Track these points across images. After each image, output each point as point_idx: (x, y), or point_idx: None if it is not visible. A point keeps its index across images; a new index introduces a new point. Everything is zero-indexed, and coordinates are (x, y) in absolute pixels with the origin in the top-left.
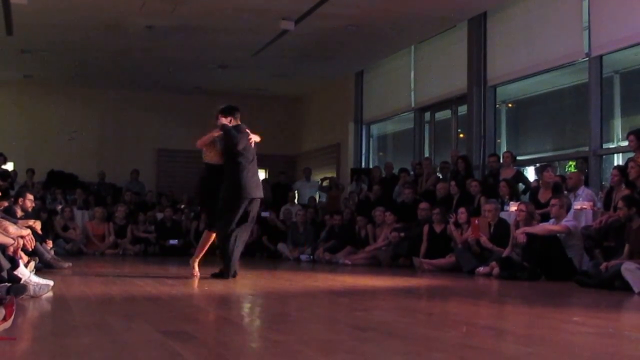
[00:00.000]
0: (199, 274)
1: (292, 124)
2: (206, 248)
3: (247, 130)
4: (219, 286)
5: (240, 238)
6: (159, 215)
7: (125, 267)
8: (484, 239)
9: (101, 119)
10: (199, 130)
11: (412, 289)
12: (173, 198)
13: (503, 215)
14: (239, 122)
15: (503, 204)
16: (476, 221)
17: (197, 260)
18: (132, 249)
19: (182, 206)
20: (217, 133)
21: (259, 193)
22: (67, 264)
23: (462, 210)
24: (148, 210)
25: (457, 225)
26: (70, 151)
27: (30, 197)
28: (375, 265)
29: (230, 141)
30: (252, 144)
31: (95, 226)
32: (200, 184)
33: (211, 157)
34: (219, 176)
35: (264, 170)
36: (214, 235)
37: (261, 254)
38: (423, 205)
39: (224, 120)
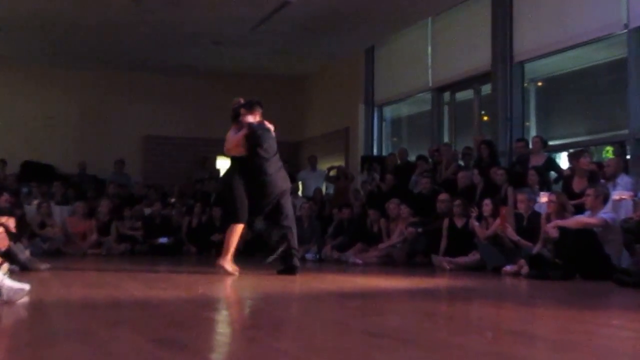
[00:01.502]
0: (237, 269)
1: (295, 106)
2: (235, 243)
3: (269, 126)
4: (215, 289)
5: (291, 233)
6: (147, 211)
7: (109, 268)
8: (509, 230)
9: (81, 103)
10: (190, 115)
11: (430, 290)
12: (162, 191)
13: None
14: (261, 118)
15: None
16: (503, 211)
17: (229, 257)
18: (117, 248)
19: (173, 200)
20: (243, 133)
21: (286, 184)
22: (44, 266)
23: (487, 201)
24: (134, 204)
25: (480, 218)
26: (47, 139)
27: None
28: (389, 264)
29: (256, 141)
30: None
31: (76, 223)
32: (227, 178)
33: (238, 150)
34: (245, 168)
35: None
36: (240, 227)
37: (263, 254)
38: (442, 196)
39: (250, 118)
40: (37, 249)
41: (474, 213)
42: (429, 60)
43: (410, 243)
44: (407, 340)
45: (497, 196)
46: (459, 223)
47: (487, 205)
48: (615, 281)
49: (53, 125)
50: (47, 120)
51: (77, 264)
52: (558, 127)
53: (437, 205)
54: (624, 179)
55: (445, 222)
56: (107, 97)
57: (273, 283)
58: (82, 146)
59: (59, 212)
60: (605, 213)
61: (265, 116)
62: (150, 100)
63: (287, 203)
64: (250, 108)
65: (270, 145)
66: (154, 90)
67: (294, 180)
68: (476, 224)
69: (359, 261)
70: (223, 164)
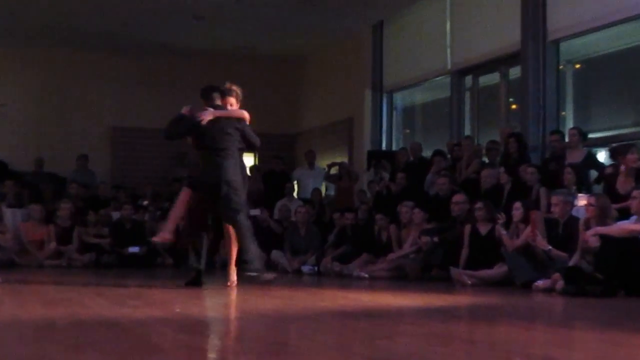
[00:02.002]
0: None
1: (290, 93)
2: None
3: (207, 108)
4: (195, 308)
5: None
6: (115, 215)
7: (71, 282)
8: (539, 239)
9: (38, 88)
10: (166, 102)
11: (448, 309)
12: (133, 192)
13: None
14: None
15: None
16: (533, 216)
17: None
18: (80, 259)
19: (146, 202)
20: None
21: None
22: None
23: (517, 205)
24: (100, 208)
25: (508, 225)
26: None
27: None
28: (400, 278)
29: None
30: (204, 122)
31: (32, 229)
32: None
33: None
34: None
35: (252, 155)
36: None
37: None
38: (457, 197)
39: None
40: None
41: (501, 219)
42: (448, 39)
43: (425, 254)
44: None
45: (527, 199)
46: (483, 230)
47: (517, 209)
48: None
49: (5, 114)
50: None
51: (32, 278)
52: (599, 117)
53: (452, 209)
54: None
55: (467, 229)
56: (68, 82)
57: (264, 300)
58: (38, 139)
59: (12, 216)
60: None
61: (254, 104)
62: (120, 85)
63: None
64: (201, 96)
65: (201, 132)
66: (124, 73)
67: (288, 179)
68: (503, 231)
69: (365, 275)
70: None
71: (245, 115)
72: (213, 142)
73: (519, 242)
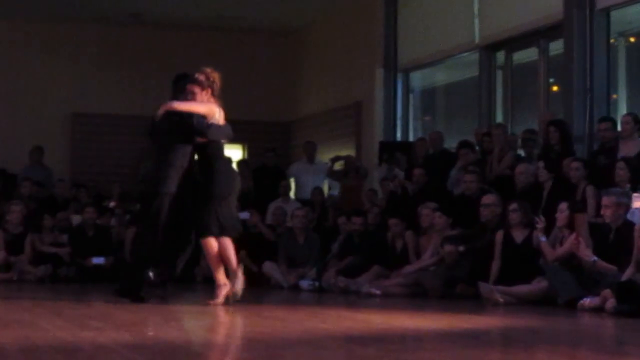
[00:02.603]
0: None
1: (286, 72)
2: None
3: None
4: (171, 331)
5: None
6: (76, 219)
7: (23, 300)
8: (582, 247)
9: None
10: (137, 84)
11: (477, 333)
12: (97, 191)
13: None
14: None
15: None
16: (577, 220)
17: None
18: (34, 272)
19: (112, 204)
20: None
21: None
22: None
23: (561, 206)
24: (58, 210)
25: (548, 231)
26: None
27: None
28: (418, 295)
29: None
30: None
31: None
32: None
33: None
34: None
35: (240, 147)
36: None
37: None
38: (487, 198)
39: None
40: None
41: (540, 224)
42: (476, 7)
43: (448, 266)
44: None
45: (571, 199)
46: (518, 237)
47: (562, 212)
48: None
49: None
50: None
51: None
52: None
53: (481, 212)
54: None
55: (499, 236)
56: (17, 58)
57: (254, 322)
58: None
59: None
60: None
61: (242, 87)
62: (80, 63)
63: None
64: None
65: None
66: (86, 49)
67: (283, 176)
68: (542, 239)
69: (376, 291)
70: None
71: (209, 111)
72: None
73: (561, 251)
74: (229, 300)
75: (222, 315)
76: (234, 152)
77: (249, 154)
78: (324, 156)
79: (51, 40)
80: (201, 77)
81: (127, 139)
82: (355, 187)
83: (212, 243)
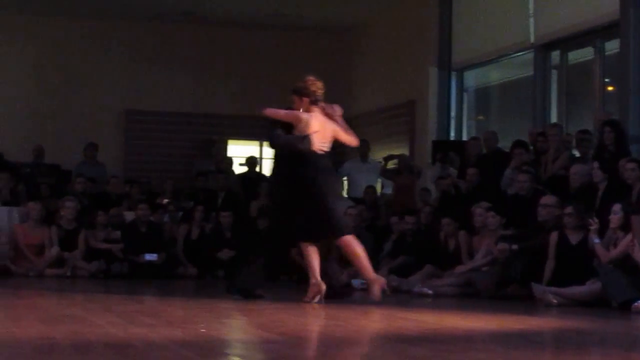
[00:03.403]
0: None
1: (339, 70)
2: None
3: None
4: (222, 328)
5: None
6: (128, 216)
7: (76, 295)
8: (637, 250)
9: (38, 64)
10: (190, 82)
11: (529, 334)
12: (150, 188)
13: None
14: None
15: None
16: (633, 221)
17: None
18: (87, 268)
19: (165, 201)
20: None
21: None
22: None
23: (615, 208)
24: (111, 207)
25: (602, 232)
26: None
27: None
28: (470, 295)
29: None
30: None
31: (29, 232)
32: None
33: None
34: None
35: None
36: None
37: (289, 277)
38: (546, 199)
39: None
40: None
41: (594, 225)
42: (531, 6)
43: (501, 266)
44: None
45: (627, 200)
46: (574, 239)
47: (616, 213)
48: None
49: None
50: None
51: (30, 289)
52: None
53: (538, 212)
54: None
55: (553, 236)
56: (73, 56)
57: (305, 320)
58: (38, 124)
59: (6, 216)
60: None
61: (295, 83)
62: (135, 60)
63: None
64: None
65: None
66: (140, 47)
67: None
68: (597, 240)
69: (428, 291)
70: (237, 151)
71: (293, 118)
72: None
73: (615, 253)
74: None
75: (273, 313)
76: None
77: None
78: (377, 155)
79: (105, 38)
80: (300, 85)
81: (179, 136)
82: (408, 186)
83: (351, 241)
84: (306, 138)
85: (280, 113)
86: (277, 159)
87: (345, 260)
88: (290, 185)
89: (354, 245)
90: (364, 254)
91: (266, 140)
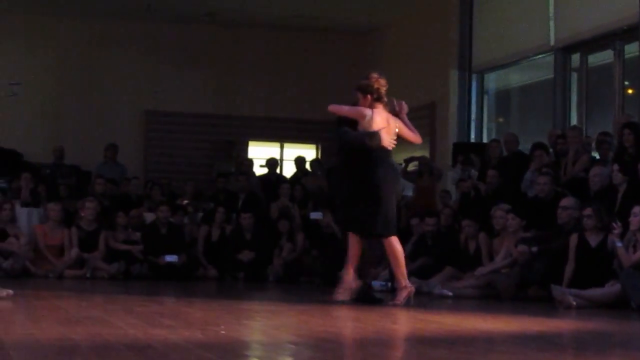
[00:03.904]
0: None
1: (360, 72)
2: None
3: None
4: (243, 330)
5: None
6: (149, 217)
7: (96, 296)
8: None
9: (58, 64)
10: (211, 82)
11: (549, 336)
12: (170, 189)
13: None
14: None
15: None
16: None
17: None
18: (107, 269)
19: (185, 202)
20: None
21: None
22: (5, 292)
23: (635, 210)
24: (131, 208)
25: (622, 234)
26: (10, 115)
27: None
28: (491, 297)
29: None
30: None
31: (49, 233)
32: None
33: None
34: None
35: (314, 146)
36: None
37: (310, 279)
38: (566, 201)
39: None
40: None
41: (617, 229)
42: (551, 9)
43: (522, 268)
44: None
45: None
46: (593, 241)
47: (636, 215)
48: None
49: (18, 95)
50: (10, 89)
51: (50, 290)
52: None
53: (558, 214)
54: None
55: (573, 239)
56: (94, 57)
57: (325, 322)
58: (58, 125)
59: (26, 217)
60: None
61: (316, 86)
62: (155, 61)
63: None
64: None
65: None
66: (161, 48)
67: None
68: (619, 244)
69: (448, 293)
70: (258, 152)
71: (358, 114)
72: None
73: (637, 256)
74: (410, 302)
75: (294, 315)
76: (308, 152)
77: (322, 153)
78: (398, 156)
79: (126, 39)
80: (363, 82)
81: (200, 137)
82: (429, 188)
83: (396, 243)
84: (375, 134)
85: (344, 109)
86: (343, 154)
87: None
88: (355, 180)
89: (398, 248)
90: (403, 259)
91: (335, 136)
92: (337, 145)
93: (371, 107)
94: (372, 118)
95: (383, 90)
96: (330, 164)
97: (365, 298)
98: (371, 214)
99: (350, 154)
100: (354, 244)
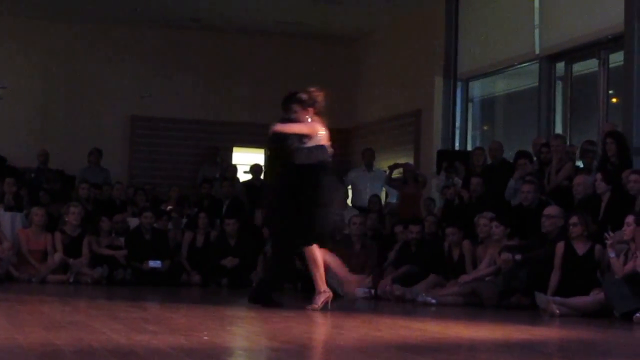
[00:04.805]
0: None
1: (344, 79)
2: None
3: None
4: (226, 336)
5: None
6: (133, 222)
7: (79, 301)
8: (639, 261)
9: (43, 68)
10: (196, 88)
11: (533, 344)
12: (155, 194)
13: None
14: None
15: None
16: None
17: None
18: (90, 274)
19: (169, 208)
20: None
21: None
22: None
23: (628, 220)
24: (115, 213)
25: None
26: None
27: None
28: (474, 305)
29: None
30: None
31: (33, 237)
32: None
33: None
34: None
35: None
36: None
37: (294, 285)
38: (550, 210)
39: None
40: None
41: (610, 240)
42: (536, 17)
43: (505, 276)
44: None
45: (637, 212)
46: (581, 250)
47: (629, 225)
48: None
49: (3, 99)
50: None
51: (33, 295)
52: None
53: (542, 223)
54: None
55: (560, 247)
56: (79, 61)
57: (308, 328)
58: (43, 129)
59: (9, 221)
60: None
61: (302, 91)
62: (141, 66)
63: None
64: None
65: None
66: (146, 53)
67: (342, 183)
68: (612, 254)
69: (432, 300)
70: (242, 158)
71: (312, 130)
72: None
73: (630, 266)
74: (327, 307)
75: (277, 322)
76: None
77: None
78: (382, 164)
79: (111, 43)
80: (303, 96)
81: (185, 143)
82: (414, 195)
83: (316, 250)
84: (325, 148)
85: (295, 127)
86: (282, 168)
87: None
88: (303, 193)
89: (317, 254)
90: (322, 264)
91: (282, 153)
92: (281, 161)
93: (312, 120)
94: (323, 133)
95: (323, 103)
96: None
97: (262, 299)
98: (308, 224)
99: (297, 169)
100: (312, 256)
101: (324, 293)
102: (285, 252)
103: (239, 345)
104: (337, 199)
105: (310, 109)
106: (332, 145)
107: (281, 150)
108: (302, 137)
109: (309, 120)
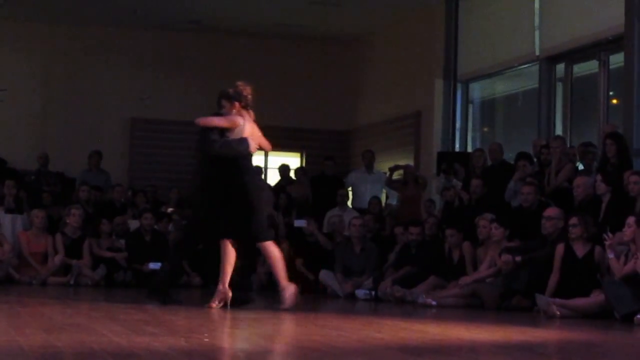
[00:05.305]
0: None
1: (345, 81)
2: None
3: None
4: (227, 338)
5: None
6: (133, 224)
7: (80, 303)
8: (639, 263)
9: (43, 71)
10: (195, 90)
11: (533, 345)
12: (155, 197)
13: None
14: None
15: None
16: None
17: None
18: (91, 276)
19: (170, 210)
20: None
21: None
22: None
23: (629, 221)
24: (115, 215)
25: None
26: None
27: None
28: (475, 306)
29: None
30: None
31: (33, 239)
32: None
33: None
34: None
35: (298, 154)
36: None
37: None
38: (550, 211)
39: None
40: None
41: (609, 240)
42: (536, 19)
43: (506, 277)
44: None
45: (630, 212)
46: (580, 251)
47: (630, 226)
48: None
49: (3, 101)
50: None
51: (33, 297)
52: None
53: (542, 224)
54: None
55: (559, 249)
56: (79, 64)
57: (309, 330)
58: (43, 132)
59: (10, 224)
60: None
61: (301, 94)
62: (141, 68)
63: None
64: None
65: None
66: (146, 55)
67: (341, 184)
68: (611, 255)
69: (432, 302)
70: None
71: (232, 123)
72: None
73: (629, 267)
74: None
75: (277, 323)
76: (292, 160)
77: (307, 161)
78: (382, 165)
79: (111, 46)
80: (230, 91)
81: (185, 144)
82: (414, 197)
83: (272, 247)
84: (245, 141)
85: (215, 120)
86: (205, 162)
87: (348, 271)
88: (221, 187)
89: (275, 251)
90: (282, 261)
91: (201, 145)
92: (201, 154)
93: (239, 114)
94: (243, 126)
95: (250, 98)
96: (315, 173)
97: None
98: (244, 219)
99: (216, 162)
100: (228, 253)
101: (287, 288)
102: (188, 243)
103: (240, 348)
104: (263, 198)
105: (237, 103)
106: (331, 147)
107: (201, 143)
108: (224, 131)
109: (234, 113)
